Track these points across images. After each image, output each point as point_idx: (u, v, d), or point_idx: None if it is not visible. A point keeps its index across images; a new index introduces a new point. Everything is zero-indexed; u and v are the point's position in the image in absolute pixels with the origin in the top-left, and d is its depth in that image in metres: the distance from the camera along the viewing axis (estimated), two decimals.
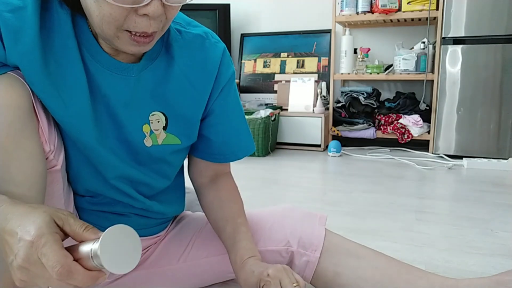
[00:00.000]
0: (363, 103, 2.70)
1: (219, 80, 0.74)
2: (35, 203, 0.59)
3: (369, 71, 2.65)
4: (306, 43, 3.08)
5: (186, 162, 0.87)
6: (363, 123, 2.70)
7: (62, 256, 0.44)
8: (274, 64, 3.15)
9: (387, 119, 2.65)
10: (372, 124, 2.71)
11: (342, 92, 2.81)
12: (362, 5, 2.59)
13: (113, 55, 0.64)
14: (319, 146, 2.69)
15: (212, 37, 0.75)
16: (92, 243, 0.44)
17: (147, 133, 0.70)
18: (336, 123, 2.80)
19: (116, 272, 0.43)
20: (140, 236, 0.80)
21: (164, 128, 0.72)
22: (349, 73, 2.71)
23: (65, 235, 0.48)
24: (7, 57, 0.58)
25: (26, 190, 0.57)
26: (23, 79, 0.59)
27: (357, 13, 2.62)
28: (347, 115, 2.77)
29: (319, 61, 3.02)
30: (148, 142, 0.71)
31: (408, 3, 2.50)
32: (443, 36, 2.35)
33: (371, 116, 2.75)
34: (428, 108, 2.58)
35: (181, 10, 0.62)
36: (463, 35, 2.30)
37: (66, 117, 0.63)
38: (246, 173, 2.13)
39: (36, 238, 0.44)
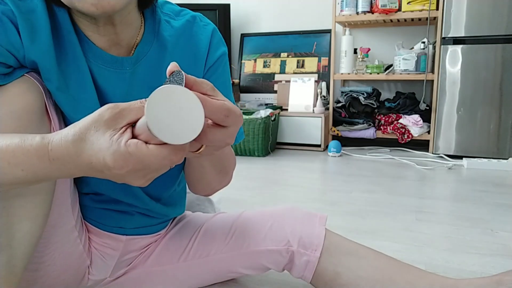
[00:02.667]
0: (363, 103, 2.70)
1: (207, 62, 0.73)
2: (44, 202, 0.60)
3: (369, 71, 2.65)
4: (306, 43, 3.08)
5: None
6: (363, 123, 2.70)
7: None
8: (274, 64, 3.15)
9: (387, 119, 2.65)
10: (372, 124, 2.71)
11: (342, 92, 2.81)
12: (362, 5, 2.59)
13: (105, 49, 0.64)
14: (319, 146, 2.69)
15: (201, 20, 0.73)
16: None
17: None
18: (336, 123, 2.80)
19: (175, 141, 0.38)
20: (140, 234, 0.82)
21: None
22: (349, 73, 2.71)
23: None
24: (26, 54, 0.58)
25: (37, 190, 0.58)
26: (37, 81, 0.60)
27: (357, 13, 2.62)
28: (347, 115, 2.77)
29: (319, 61, 3.02)
30: None
31: (408, 3, 2.50)
32: (443, 36, 2.35)
33: (371, 116, 2.75)
34: (428, 108, 2.58)
35: None
36: (463, 35, 2.31)
37: (77, 114, 0.63)
38: (246, 173, 2.14)
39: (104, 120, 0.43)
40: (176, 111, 0.38)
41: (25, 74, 0.59)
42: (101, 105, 0.65)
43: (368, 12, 2.59)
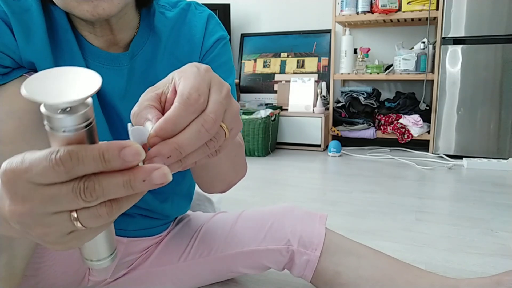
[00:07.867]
0: (363, 103, 2.70)
1: (203, 48, 0.72)
2: None
3: (369, 71, 2.65)
4: (306, 43, 3.08)
5: None
6: (363, 123, 2.70)
7: (46, 151, 0.29)
8: (274, 64, 3.15)
9: (387, 119, 2.65)
10: (372, 124, 2.71)
11: (342, 92, 2.81)
12: (362, 5, 2.59)
13: (102, 49, 0.64)
14: (319, 146, 2.69)
15: (196, 8, 0.72)
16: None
17: None
18: (336, 123, 2.80)
19: (53, 101, 0.27)
20: (142, 237, 0.82)
21: None
22: (349, 73, 2.71)
23: None
24: (22, 54, 0.58)
25: None
26: None
27: (357, 13, 2.62)
28: (347, 115, 2.77)
29: (319, 61, 3.02)
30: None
31: (408, 3, 2.50)
32: (443, 36, 2.35)
33: (371, 116, 2.75)
34: (428, 108, 2.58)
35: None
36: (463, 35, 2.31)
37: None
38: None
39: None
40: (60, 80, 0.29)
41: (24, 74, 0.59)
42: (100, 103, 0.65)
43: (368, 12, 2.60)
